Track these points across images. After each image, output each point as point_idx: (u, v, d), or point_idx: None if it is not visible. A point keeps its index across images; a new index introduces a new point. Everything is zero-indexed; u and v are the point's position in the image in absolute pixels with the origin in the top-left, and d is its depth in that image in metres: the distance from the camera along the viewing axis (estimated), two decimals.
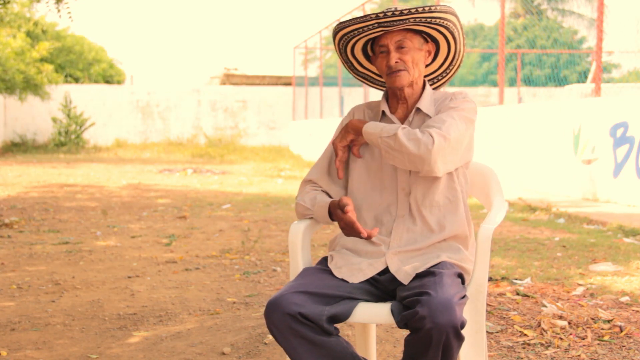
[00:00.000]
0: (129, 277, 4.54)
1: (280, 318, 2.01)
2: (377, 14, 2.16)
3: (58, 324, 3.51)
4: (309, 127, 20.13)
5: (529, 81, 22.59)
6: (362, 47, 2.35)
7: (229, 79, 26.41)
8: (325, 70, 28.87)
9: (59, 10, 7.48)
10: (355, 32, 2.25)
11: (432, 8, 2.16)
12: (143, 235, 6.20)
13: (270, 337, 3.20)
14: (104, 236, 6.13)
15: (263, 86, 25.67)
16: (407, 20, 2.18)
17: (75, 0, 7.52)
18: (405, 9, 2.14)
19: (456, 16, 2.23)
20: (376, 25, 2.19)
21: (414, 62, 2.24)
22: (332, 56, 33.88)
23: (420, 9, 2.15)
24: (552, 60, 20.21)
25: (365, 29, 2.22)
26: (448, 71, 2.43)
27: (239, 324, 3.48)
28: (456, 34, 2.28)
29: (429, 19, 2.19)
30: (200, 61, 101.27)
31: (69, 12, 7.49)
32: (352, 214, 2.18)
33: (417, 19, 2.18)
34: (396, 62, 2.23)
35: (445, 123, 2.16)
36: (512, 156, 9.79)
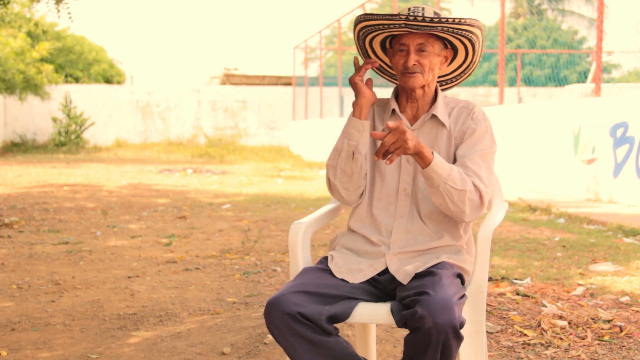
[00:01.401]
0: (129, 277, 4.54)
1: (280, 318, 2.01)
2: (407, 15, 2.15)
3: (58, 324, 3.51)
4: (309, 127, 20.14)
5: (529, 81, 22.59)
6: (381, 39, 2.36)
7: (229, 79, 26.42)
8: (325, 70, 28.90)
9: (58, 11, 7.49)
10: (380, 26, 2.25)
11: (462, 20, 2.18)
12: (143, 235, 6.20)
13: (270, 337, 3.20)
14: (104, 236, 6.13)
15: (263, 86, 25.68)
16: (435, 27, 2.18)
17: (75, 0, 7.52)
18: (436, 17, 2.15)
19: (482, 30, 2.25)
20: (403, 25, 2.19)
21: (430, 66, 2.25)
22: (333, 56, 33.90)
23: (450, 20, 2.17)
24: (552, 60, 20.23)
25: (391, 26, 2.22)
26: (459, 77, 2.44)
27: (239, 324, 3.48)
28: (477, 47, 2.30)
29: (456, 30, 2.21)
30: (200, 61, 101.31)
31: (69, 13, 7.49)
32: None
33: (445, 28, 2.20)
34: (414, 64, 2.23)
35: (483, 170, 2.21)
36: (512, 156, 9.80)
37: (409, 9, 2.20)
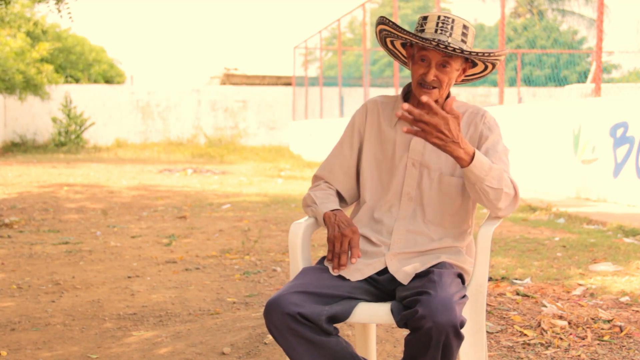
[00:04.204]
0: (129, 277, 4.54)
1: (280, 318, 2.01)
2: (437, 42, 2.11)
3: (58, 324, 3.51)
4: (309, 127, 20.13)
5: (529, 81, 22.60)
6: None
7: (229, 79, 26.41)
8: (325, 71, 28.88)
9: (59, 11, 7.48)
10: (408, 37, 2.21)
11: (492, 53, 2.18)
12: (143, 235, 6.20)
13: (270, 337, 3.20)
14: (104, 236, 6.12)
15: (263, 86, 25.68)
16: (463, 56, 2.17)
17: (75, 0, 7.51)
18: (467, 51, 2.14)
19: (505, 56, 2.26)
20: (433, 45, 2.14)
21: (449, 82, 2.22)
22: (332, 56, 33.88)
23: (480, 53, 2.17)
24: (552, 60, 20.24)
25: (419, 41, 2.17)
26: (466, 81, 2.43)
27: (239, 324, 3.48)
28: (496, 67, 2.30)
29: (482, 59, 2.22)
30: (200, 61, 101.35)
31: (69, 13, 7.49)
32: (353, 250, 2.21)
33: (473, 58, 2.20)
34: (433, 79, 2.20)
35: (508, 168, 2.21)
36: (512, 156, 9.80)
37: (439, 19, 2.16)
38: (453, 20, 2.17)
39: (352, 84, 21.66)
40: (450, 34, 2.16)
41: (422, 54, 2.20)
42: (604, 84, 10.02)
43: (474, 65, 2.31)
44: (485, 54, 2.18)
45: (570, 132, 8.60)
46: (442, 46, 2.11)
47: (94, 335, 3.33)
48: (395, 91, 14.56)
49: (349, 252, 2.20)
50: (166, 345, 3.18)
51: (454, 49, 2.12)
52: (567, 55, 19.86)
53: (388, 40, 2.33)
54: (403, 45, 2.34)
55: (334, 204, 2.31)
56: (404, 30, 2.18)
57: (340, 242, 2.18)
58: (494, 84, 24.28)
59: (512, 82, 22.24)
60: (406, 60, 2.38)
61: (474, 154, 2.06)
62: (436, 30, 2.15)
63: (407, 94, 2.36)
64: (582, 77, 15.90)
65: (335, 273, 2.19)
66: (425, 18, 2.20)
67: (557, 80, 17.55)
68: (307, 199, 2.38)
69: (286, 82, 26.27)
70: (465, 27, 2.18)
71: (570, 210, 7.21)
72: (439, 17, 2.18)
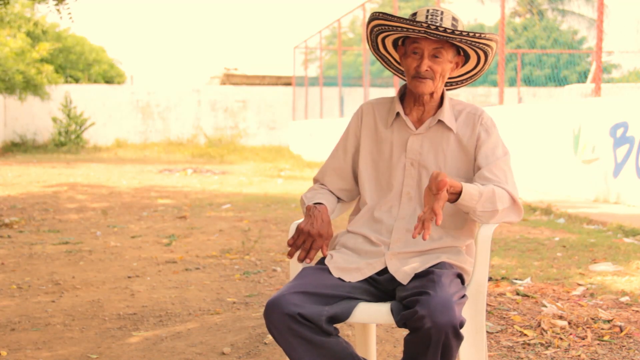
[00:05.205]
0: (129, 277, 4.54)
1: (280, 318, 2.01)
2: (427, 23, 2.13)
3: (58, 324, 3.51)
4: (309, 127, 20.14)
5: (529, 81, 22.60)
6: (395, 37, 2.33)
7: (229, 79, 26.41)
8: (325, 71, 28.88)
9: (59, 11, 7.47)
10: (396, 28, 2.22)
11: (483, 35, 2.18)
12: (143, 235, 6.20)
13: (270, 337, 3.20)
14: (104, 236, 6.12)
15: (263, 86, 25.68)
16: (454, 38, 2.17)
17: (75, 0, 7.50)
18: (457, 30, 2.14)
19: (497, 43, 2.25)
20: (422, 31, 2.16)
21: (442, 73, 2.23)
22: (332, 56, 33.88)
23: (471, 33, 2.16)
24: (552, 60, 20.25)
25: (409, 30, 2.19)
26: (464, 82, 2.43)
27: (239, 324, 3.48)
28: (489, 58, 2.29)
29: (474, 42, 2.21)
30: (200, 61, 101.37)
31: (70, 13, 7.48)
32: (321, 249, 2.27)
33: (464, 40, 2.19)
34: (426, 70, 2.21)
35: (508, 176, 2.24)
36: (512, 156, 9.79)
37: (427, 12, 2.18)
38: (442, 12, 2.19)
39: (352, 84, 21.67)
40: (440, 24, 2.16)
41: (414, 47, 2.22)
42: (604, 84, 10.03)
43: (466, 61, 2.32)
44: (477, 35, 2.17)
45: (570, 132, 8.60)
46: (433, 27, 2.12)
47: (94, 335, 3.34)
48: (395, 91, 14.57)
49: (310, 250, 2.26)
50: (166, 345, 3.18)
51: (445, 29, 2.13)
52: (567, 55, 19.88)
53: (380, 39, 2.34)
54: (394, 46, 2.35)
55: (319, 198, 2.35)
56: (396, 17, 2.19)
57: (304, 239, 2.24)
58: (494, 84, 24.27)
59: (512, 82, 22.24)
60: (397, 67, 2.41)
61: (461, 190, 2.09)
62: (428, 26, 2.16)
63: (403, 95, 2.36)
64: (582, 77, 15.91)
65: (288, 259, 2.28)
66: (414, 14, 2.22)
67: (557, 80, 17.56)
68: (300, 202, 2.41)
69: (286, 82, 26.27)
70: (454, 18, 2.20)
71: (570, 210, 7.22)
72: (427, 10, 2.19)
